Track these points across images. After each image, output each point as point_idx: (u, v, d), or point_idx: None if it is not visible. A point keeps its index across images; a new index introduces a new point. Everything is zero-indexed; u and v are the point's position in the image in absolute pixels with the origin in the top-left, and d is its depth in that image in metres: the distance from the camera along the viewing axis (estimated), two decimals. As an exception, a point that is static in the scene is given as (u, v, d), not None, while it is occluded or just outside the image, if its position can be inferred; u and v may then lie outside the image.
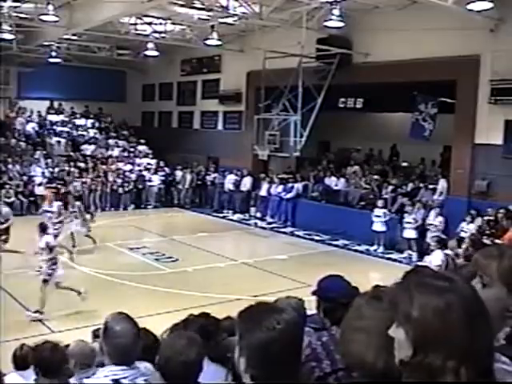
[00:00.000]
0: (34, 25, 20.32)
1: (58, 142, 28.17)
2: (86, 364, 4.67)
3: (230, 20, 20.07)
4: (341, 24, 17.07)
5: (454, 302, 1.58)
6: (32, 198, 23.84)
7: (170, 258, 16.66)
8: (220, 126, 27.20)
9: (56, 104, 30.25)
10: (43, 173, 25.22)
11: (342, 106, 20.97)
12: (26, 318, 10.94)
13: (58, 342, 4.95)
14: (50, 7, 17.24)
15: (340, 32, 18.61)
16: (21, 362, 5.54)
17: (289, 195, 22.11)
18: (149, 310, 10.88)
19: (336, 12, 16.47)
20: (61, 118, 29.92)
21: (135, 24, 21.58)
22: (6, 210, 16.34)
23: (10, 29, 21.04)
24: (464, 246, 12.86)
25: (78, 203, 17.79)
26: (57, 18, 17.91)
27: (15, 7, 19.13)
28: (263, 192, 23.24)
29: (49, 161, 26.31)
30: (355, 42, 20.01)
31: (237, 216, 23.90)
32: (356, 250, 18.54)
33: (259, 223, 22.69)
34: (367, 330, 1.95)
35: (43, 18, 17.95)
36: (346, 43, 19.94)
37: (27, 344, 5.83)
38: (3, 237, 15.30)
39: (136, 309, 9.99)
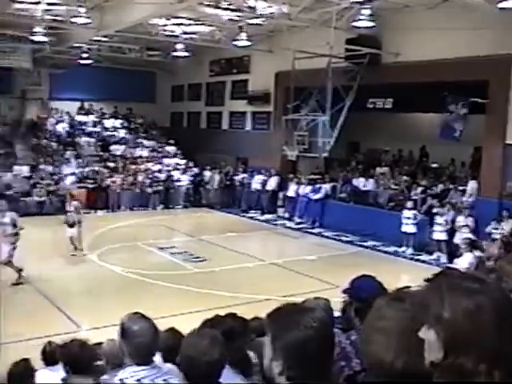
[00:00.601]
0: (66, 27, 20.61)
1: (88, 142, 28.50)
2: (116, 363, 4.70)
3: (258, 20, 20.09)
4: (370, 24, 16.98)
5: (485, 303, 1.57)
6: (63, 198, 24.13)
7: (199, 257, 16.70)
8: (248, 127, 27.24)
9: (86, 105, 30.60)
10: (74, 173, 25.53)
11: (371, 106, 20.86)
12: None
13: (85, 339, 5.01)
14: (82, 9, 17.47)
15: (369, 32, 18.50)
16: (49, 357, 5.68)
17: (317, 196, 22.04)
18: (176, 309, 10.97)
19: (366, 12, 16.39)
20: (91, 118, 30.25)
21: (165, 25, 21.71)
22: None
23: (43, 31, 21.38)
24: (495, 247, 12.69)
25: (75, 203, 17.09)
26: (88, 20, 18.14)
27: (48, 10, 19.46)
28: (291, 193, 23.19)
29: (79, 161, 26.65)
30: (385, 42, 19.86)
31: (265, 216, 23.90)
32: (385, 252, 18.39)
33: (287, 224, 22.65)
34: (387, 330, 1.95)
35: (75, 20, 18.20)
36: (376, 43, 19.80)
37: (54, 341, 5.96)
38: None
39: (163, 308, 10.17)
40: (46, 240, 19.25)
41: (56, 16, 20.06)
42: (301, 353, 2.03)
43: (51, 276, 14.31)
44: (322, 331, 2.08)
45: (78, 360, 4.48)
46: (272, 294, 12.27)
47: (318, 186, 22.24)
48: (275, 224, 22.77)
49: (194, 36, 23.01)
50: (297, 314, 2.12)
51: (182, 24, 22.05)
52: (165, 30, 22.17)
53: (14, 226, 13.28)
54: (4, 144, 26.58)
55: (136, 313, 3.39)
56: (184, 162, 28.06)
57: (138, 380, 3.14)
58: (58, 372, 4.93)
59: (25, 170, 24.96)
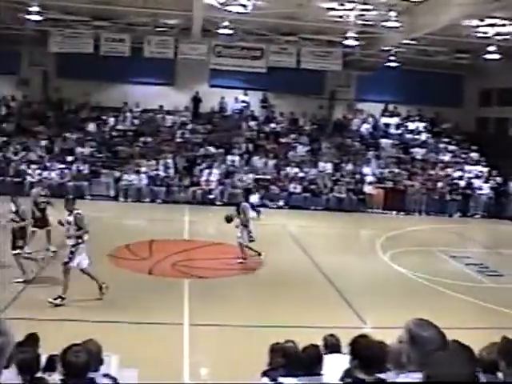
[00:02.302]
0: (376, 31, 21.12)
1: (390, 143, 28.82)
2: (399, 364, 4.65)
3: None
4: None
5: None
6: (361, 196, 24.90)
7: (495, 271, 15.77)
8: None
9: (391, 107, 30.94)
10: (373, 173, 26.10)
11: None
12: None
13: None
14: (392, 13, 17.74)
15: None
16: (330, 348, 6.04)
17: None
18: (461, 322, 10.48)
19: None
20: (395, 120, 30.51)
21: (477, 26, 20.88)
22: (23, 207, 13.05)
23: (354, 35, 22.22)
24: None
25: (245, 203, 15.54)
26: (398, 24, 18.37)
27: (360, 15, 20.17)
28: None
29: (379, 161, 27.14)
30: None
31: None
32: None
33: None
34: None
35: (385, 24, 18.57)
36: None
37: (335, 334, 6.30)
38: (20, 242, 12.41)
39: (448, 318, 9.81)
40: (343, 235, 20.16)
41: (367, 21, 20.71)
42: None
43: (343, 269, 14.89)
44: None
45: (373, 358, 4.52)
46: None
47: None
48: None
49: (508, 37, 21.74)
50: None
51: (495, 25, 20.99)
52: (476, 32, 21.34)
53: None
54: (311, 141, 28.32)
55: (422, 319, 3.36)
56: (487, 169, 26.74)
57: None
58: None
59: (328, 167, 26.28)
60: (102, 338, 5.46)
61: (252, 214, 15.73)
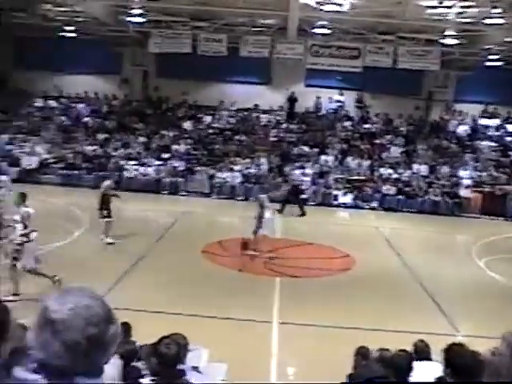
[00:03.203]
0: (477, 28, 20.42)
1: (489, 146, 27.79)
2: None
3: None
4: None
5: None
6: (457, 200, 24.17)
7: None
8: None
9: (490, 108, 29.80)
10: (471, 176, 25.27)
11: None
12: None
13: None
14: (495, 10, 17.11)
15: None
16: (420, 353, 5.96)
17: None
18: None
19: None
20: (494, 122, 29.36)
21: None
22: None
23: (454, 34, 21.58)
24: None
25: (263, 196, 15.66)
26: (502, 21, 17.70)
27: (460, 13, 19.55)
28: None
29: (477, 164, 26.25)
30: None
31: None
32: None
33: None
34: None
35: (487, 21, 17.94)
36: None
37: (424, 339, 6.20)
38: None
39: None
40: (437, 238, 19.71)
41: (467, 18, 20.05)
42: None
43: (436, 274, 14.52)
44: None
45: (466, 367, 4.45)
46: None
47: None
48: None
49: None
50: None
51: None
52: None
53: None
54: (407, 142, 27.77)
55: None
56: None
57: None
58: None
59: (423, 169, 25.71)
60: (190, 332, 5.60)
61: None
